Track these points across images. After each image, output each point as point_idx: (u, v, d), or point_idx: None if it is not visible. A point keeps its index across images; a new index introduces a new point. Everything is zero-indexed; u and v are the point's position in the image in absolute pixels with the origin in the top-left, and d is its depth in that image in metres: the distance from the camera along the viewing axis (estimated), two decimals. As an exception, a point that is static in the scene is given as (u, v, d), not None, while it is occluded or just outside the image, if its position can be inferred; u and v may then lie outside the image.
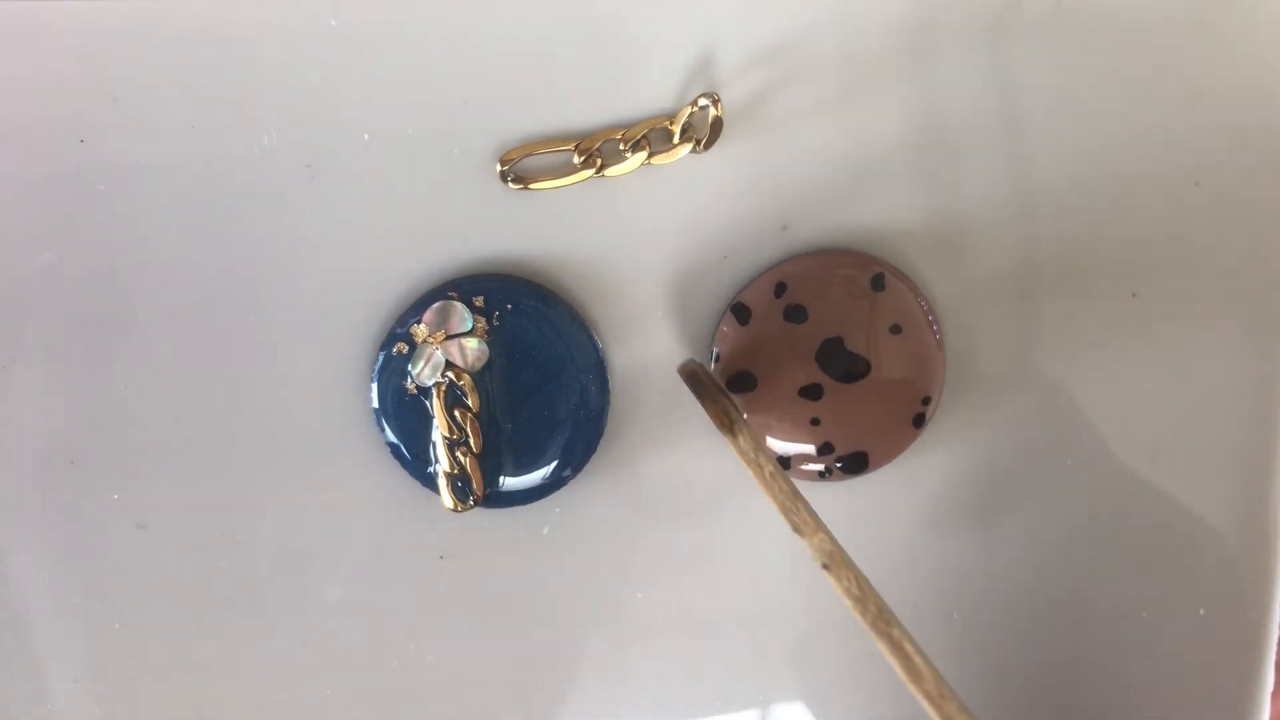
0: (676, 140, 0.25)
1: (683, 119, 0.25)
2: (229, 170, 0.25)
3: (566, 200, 0.26)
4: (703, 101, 0.25)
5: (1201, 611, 0.29)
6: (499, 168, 0.25)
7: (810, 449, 0.27)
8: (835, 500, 0.28)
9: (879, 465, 0.27)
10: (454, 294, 0.26)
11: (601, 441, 0.27)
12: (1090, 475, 0.28)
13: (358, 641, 0.28)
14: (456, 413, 0.26)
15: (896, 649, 0.19)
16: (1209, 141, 0.27)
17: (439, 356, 0.26)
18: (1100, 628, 0.29)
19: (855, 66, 0.26)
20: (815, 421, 0.27)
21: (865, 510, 0.28)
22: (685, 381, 0.24)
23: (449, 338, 0.26)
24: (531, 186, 0.25)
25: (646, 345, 0.27)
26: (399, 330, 0.26)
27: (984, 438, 0.28)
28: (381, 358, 0.26)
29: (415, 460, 0.26)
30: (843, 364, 0.26)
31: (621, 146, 0.25)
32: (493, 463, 0.26)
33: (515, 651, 0.28)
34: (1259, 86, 0.27)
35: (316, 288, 0.26)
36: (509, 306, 0.26)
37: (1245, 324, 0.28)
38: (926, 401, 0.27)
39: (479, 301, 0.26)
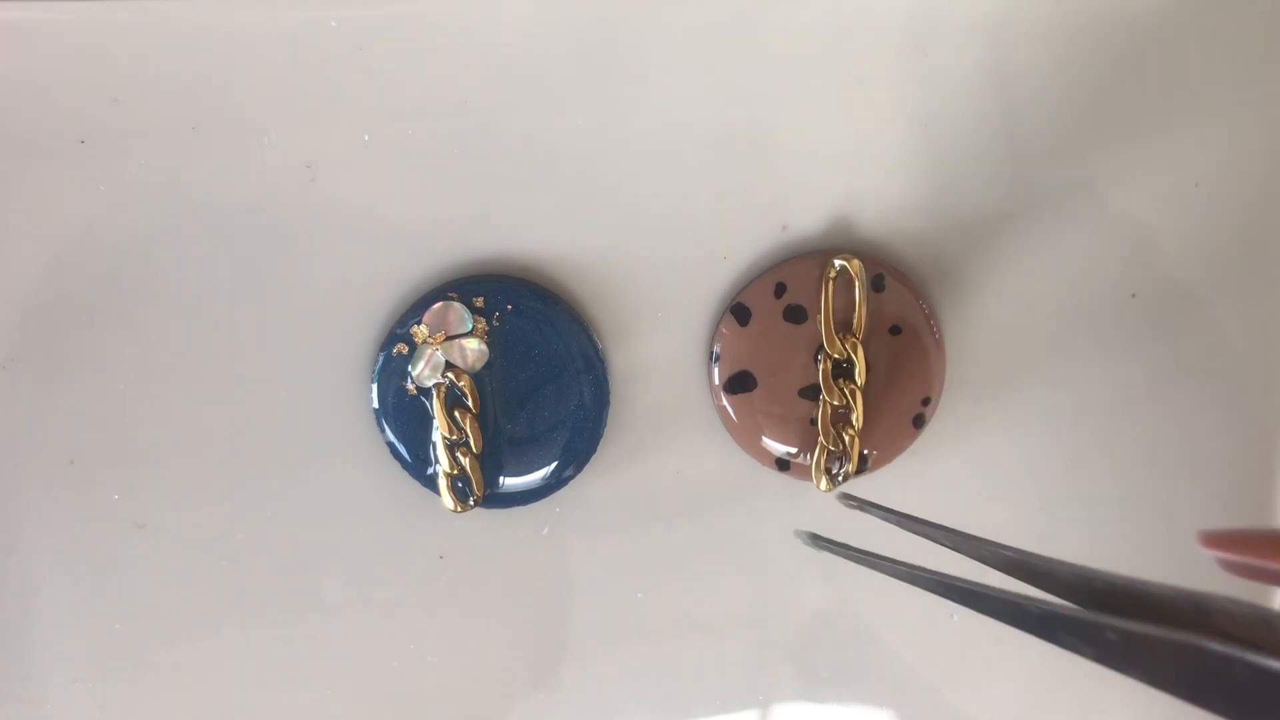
0: None
1: None
2: (229, 170, 0.25)
3: (567, 201, 0.26)
4: None
5: (1201, 611, 0.29)
6: None
7: (810, 449, 0.27)
8: (835, 501, 0.28)
9: (879, 465, 0.27)
10: (454, 294, 0.26)
11: (601, 441, 0.27)
12: (1090, 475, 0.28)
13: (358, 641, 0.28)
14: (456, 413, 0.26)
15: None
16: (1209, 141, 0.27)
17: (439, 357, 0.26)
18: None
19: (855, 66, 0.25)
20: (815, 421, 0.27)
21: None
22: None
23: (449, 338, 0.26)
24: None
25: (646, 345, 0.27)
26: (399, 331, 0.26)
27: (984, 438, 0.28)
28: (381, 358, 0.26)
29: (415, 461, 0.26)
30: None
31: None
32: (493, 463, 0.26)
33: (515, 652, 0.28)
34: (1259, 87, 0.27)
35: (316, 288, 0.26)
36: (509, 307, 0.26)
37: (1245, 324, 0.28)
38: (926, 402, 0.27)
39: (479, 302, 0.26)
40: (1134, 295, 0.28)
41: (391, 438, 0.26)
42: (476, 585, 0.28)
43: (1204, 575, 0.29)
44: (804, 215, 0.27)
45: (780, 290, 0.26)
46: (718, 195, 0.26)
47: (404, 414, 0.26)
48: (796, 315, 0.26)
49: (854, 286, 0.26)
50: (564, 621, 0.28)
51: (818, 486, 0.27)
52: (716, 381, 0.27)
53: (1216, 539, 0.20)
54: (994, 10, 0.25)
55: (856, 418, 0.26)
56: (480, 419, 0.26)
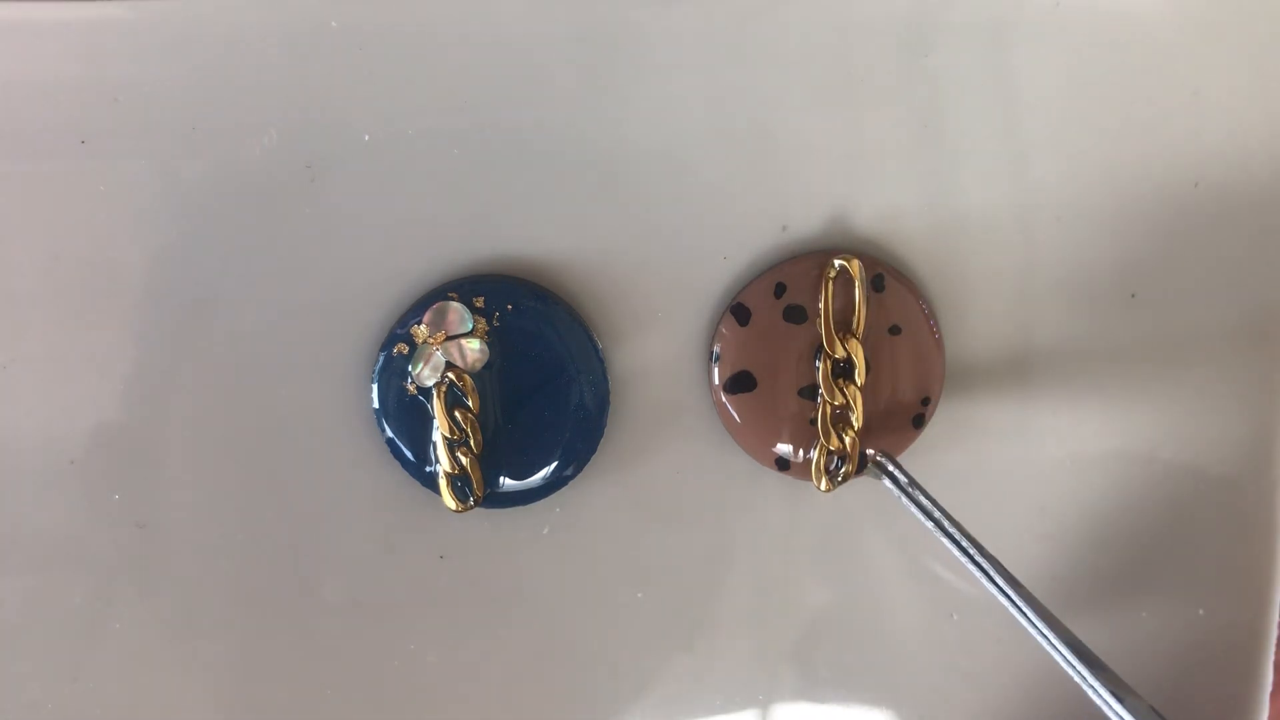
0: None
1: None
2: (229, 170, 0.25)
3: (566, 201, 0.26)
4: None
5: (1201, 611, 0.29)
6: None
7: (810, 449, 0.27)
8: (835, 500, 0.28)
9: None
10: (454, 294, 0.26)
11: (601, 441, 0.27)
12: (1090, 475, 0.28)
13: (358, 641, 0.28)
14: (457, 413, 0.26)
15: None
16: (1209, 141, 0.27)
17: (439, 357, 0.26)
18: (1100, 628, 0.29)
19: (855, 66, 0.25)
20: (815, 421, 0.27)
21: (865, 510, 0.28)
22: None
23: (449, 338, 0.26)
24: None
25: (646, 345, 0.27)
26: (399, 331, 0.26)
27: (982, 438, 0.28)
28: (382, 358, 0.26)
29: (415, 460, 0.26)
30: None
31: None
32: (493, 463, 0.26)
33: (515, 652, 0.28)
34: (1259, 86, 0.27)
35: (316, 288, 0.26)
36: (509, 307, 0.26)
37: (1245, 323, 0.28)
38: (926, 402, 0.27)
39: (479, 302, 0.26)
40: (1134, 295, 0.28)
41: (392, 437, 0.26)
42: (476, 585, 0.28)
43: (1204, 574, 0.29)
44: (804, 215, 0.27)
45: (780, 290, 0.26)
46: (718, 195, 0.26)
47: (404, 414, 0.26)
48: (796, 315, 0.26)
49: (854, 286, 0.26)
50: (564, 621, 0.28)
51: (818, 486, 0.27)
52: (716, 381, 0.27)
53: None
54: (994, 10, 0.25)
55: (856, 418, 0.26)
56: (480, 419, 0.26)
